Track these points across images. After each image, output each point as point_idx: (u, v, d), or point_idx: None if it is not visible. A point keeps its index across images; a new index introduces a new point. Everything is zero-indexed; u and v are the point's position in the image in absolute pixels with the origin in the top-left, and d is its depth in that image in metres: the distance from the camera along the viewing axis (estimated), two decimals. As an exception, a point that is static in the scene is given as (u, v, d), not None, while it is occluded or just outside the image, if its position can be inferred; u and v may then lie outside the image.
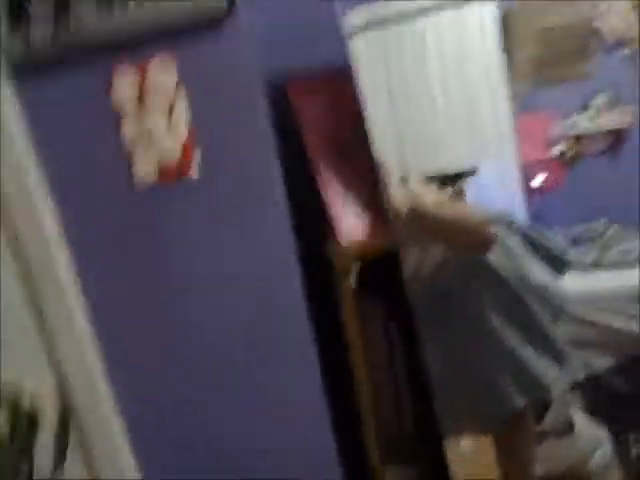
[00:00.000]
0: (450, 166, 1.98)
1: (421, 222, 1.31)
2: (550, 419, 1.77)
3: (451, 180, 1.84)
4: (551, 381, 1.64)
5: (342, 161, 0.93)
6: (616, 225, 2.14)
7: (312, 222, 1.02)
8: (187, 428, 0.99)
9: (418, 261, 1.42)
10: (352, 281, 0.87)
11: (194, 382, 0.99)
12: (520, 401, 1.46)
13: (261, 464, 0.98)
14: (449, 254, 1.41)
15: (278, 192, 0.93)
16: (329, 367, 0.99)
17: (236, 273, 0.96)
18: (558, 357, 1.52)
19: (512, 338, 1.44)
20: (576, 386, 1.83)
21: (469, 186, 1.94)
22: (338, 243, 0.94)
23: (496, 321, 1.43)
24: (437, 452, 0.97)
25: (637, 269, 1.89)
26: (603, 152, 2.27)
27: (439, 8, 2.05)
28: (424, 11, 2.02)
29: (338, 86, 0.98)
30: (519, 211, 2.21)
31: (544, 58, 2.19)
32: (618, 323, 1.80)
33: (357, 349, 0.91)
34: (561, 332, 1.85)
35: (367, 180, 0.91)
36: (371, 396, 0.91)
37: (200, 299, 0.96)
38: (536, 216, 2.19)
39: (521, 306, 1.47)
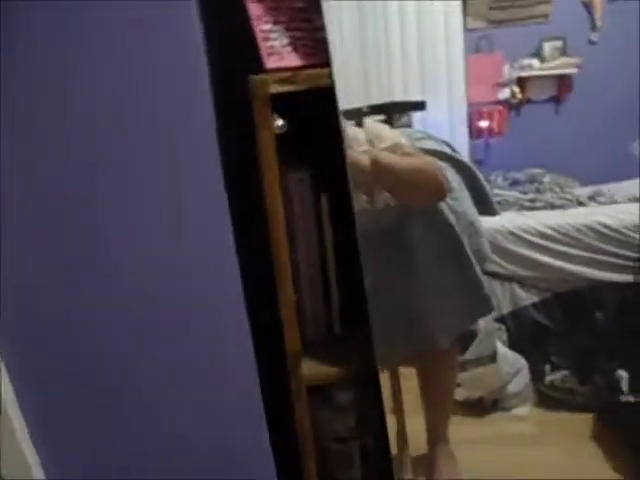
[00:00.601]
0: (399, 99, 1.97)
1: (378, 174, 1.29)
2: (475, 349, 1.86)
3: (399, 111, 1.83)
4: (476, 321, 1.70)
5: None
6: (552, 173, 2.23)
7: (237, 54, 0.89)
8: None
9: (364, 206, 1.41)
10: (275, 122, 0.78)
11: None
12: (445, 339, 1.51)
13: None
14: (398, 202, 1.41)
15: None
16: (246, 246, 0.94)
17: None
18: (484, 299, 1.56)
19: (443, 278, 1.48)
20: (501, 318, 1.92)
21: (417, 123, 1.95)
22: (261, 67, 0.81)
23: (429, 260, 1.45)
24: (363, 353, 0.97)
25: (568, 211, 1.97)
26: (549, 99, 2.32)
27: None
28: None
29: None
30: (463, 150, 2.25)
31: (501, -4, 2.18)
32: (546, 260, 1.89)
33: (276, 214, 0.81)
34: (492, 267, 1.91)
35: (302, 14, 0.79)
36: (290, 275, 0.86)
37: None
38: (478, 158, 2.24)
39: (454, 246, 1.49)
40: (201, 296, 0.94)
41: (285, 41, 0.77)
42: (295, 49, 0.77)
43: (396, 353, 1.48)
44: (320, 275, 0.98)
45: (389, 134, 1.43)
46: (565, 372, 1.85)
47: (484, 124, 2.25)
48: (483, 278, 1.55)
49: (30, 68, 0.82)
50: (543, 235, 1.89)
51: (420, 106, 1.96)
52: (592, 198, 2.05)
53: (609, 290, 1.86)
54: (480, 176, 1.63)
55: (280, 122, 0.79)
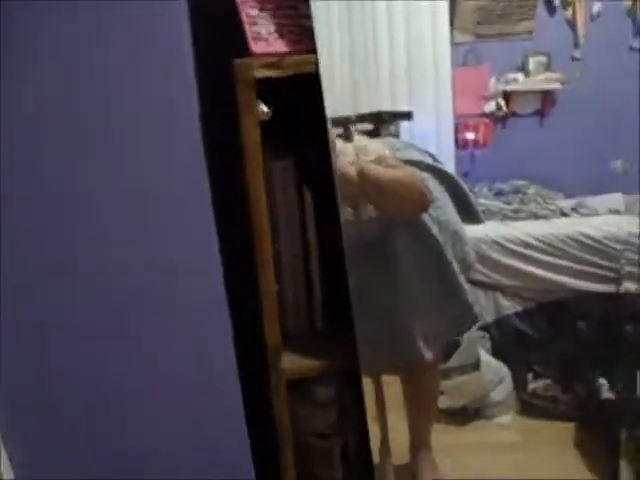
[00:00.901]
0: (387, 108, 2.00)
1: (365, 186, 1.30)
2: (458, 357, 1.86)
3: (386, 120, 1.85)
4: (462, 334, 1.71)
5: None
6: (536, 185, 2.26)
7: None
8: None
9: (349, 218, 1.42)
10: (260, 107, 0.78)
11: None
12: (429, 350, 1.50)
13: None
14: (381, 214, 1.41)
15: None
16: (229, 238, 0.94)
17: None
18: (468, 310, 1.57)
19: (427, 289, 1.48)
20: (485, 327, 1.92)
21: (404, 134, 1.97)
22: (247, 51, 0.80)
23: (413, 271, 1.46)
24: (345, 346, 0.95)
25: (551, 221, 2.00)
26: (534, 113, 2.37)
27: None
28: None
29: None
30: (448, 162, 2.28)
31: (489, 11, 2.23)
32: (530, 269, 1.90)
33: (259, 202, 0.81)
34: (476, 275, 1.92)
35: (288, 1, 0.80)
36: (272, 264, 0.86)
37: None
38: (464, 169, 2.27)
39: (438, 257, 1.50)
40: (182, 292, 0.93)
41: (271, 27, 0.77)
42: (281, 35, 0.78)
43: (380, 362, 1.48)
44: (302, 267, 0.98)
45: (373, 147, 1.44)
46: (547, 381, 1.85)
47: (470, 136, 2.28)
48: (468, 287, 1.55)
49: (30, 68, 0.82)
50: (527, 245, 1.91)
51: (407, 116, 1.98)
52: (575, 210, 2.08)
53: (591, 300, 1.87)
54: (463, 185, 1.64)
55: (264, 109, 0.80)
